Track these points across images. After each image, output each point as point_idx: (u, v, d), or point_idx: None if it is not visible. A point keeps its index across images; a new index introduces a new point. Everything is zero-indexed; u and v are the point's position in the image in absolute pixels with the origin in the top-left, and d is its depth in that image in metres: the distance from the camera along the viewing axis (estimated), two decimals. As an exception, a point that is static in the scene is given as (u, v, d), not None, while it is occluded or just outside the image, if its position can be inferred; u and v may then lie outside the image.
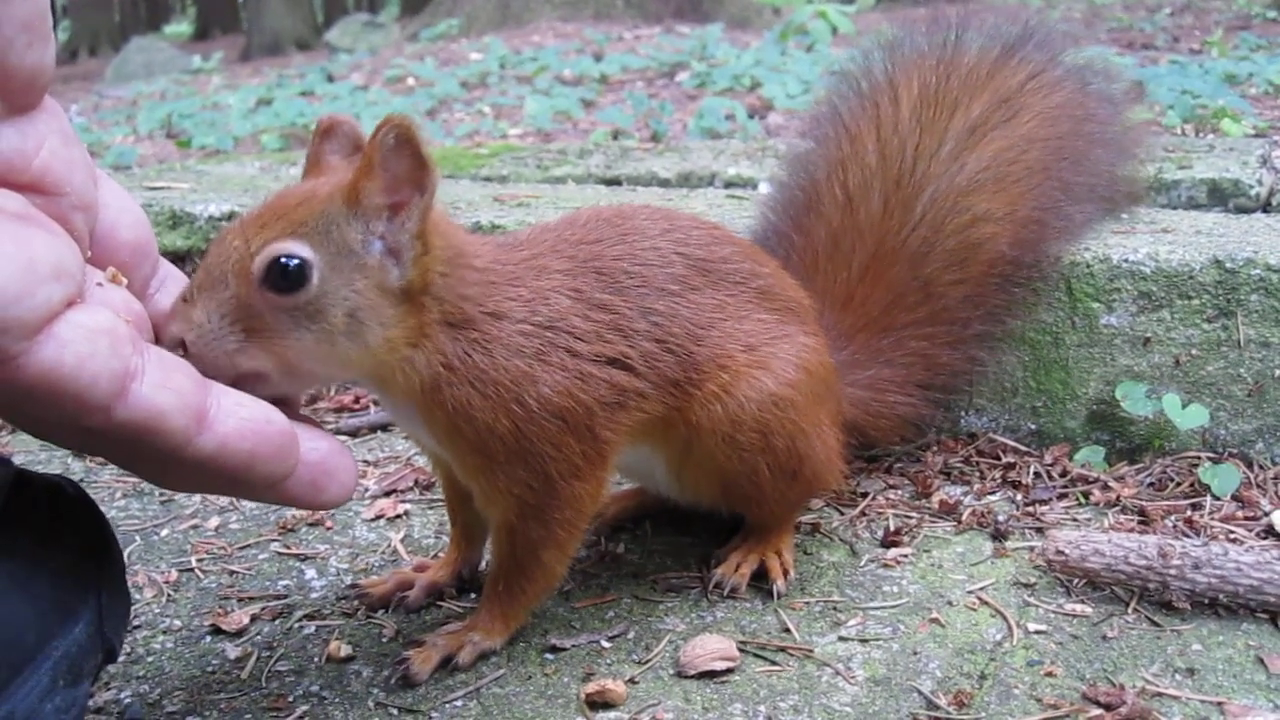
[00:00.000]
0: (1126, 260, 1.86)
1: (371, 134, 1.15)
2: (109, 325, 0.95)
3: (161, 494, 1.99)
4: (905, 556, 1.66)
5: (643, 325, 1.41)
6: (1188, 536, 1.64)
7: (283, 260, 1.15)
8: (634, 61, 7.37)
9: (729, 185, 3.43)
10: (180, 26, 24.32)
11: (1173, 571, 1.48)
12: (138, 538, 1.84)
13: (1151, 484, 1.80)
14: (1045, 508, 1.77)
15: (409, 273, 1.23)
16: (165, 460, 1.01)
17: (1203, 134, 4.00)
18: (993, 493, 1.84)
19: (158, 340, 1.13)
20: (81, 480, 2.02)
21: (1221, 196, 2.56)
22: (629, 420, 1.40)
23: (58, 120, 1.01)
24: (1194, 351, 1.84)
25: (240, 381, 1.12)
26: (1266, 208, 2.54)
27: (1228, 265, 1.81)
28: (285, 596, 1.63)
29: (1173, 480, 1.79)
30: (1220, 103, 4.08)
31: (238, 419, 1.02)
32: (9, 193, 0.96)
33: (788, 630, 1.48)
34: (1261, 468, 1.81)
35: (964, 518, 1.75)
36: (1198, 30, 8.72)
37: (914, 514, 1.79)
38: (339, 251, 1.18)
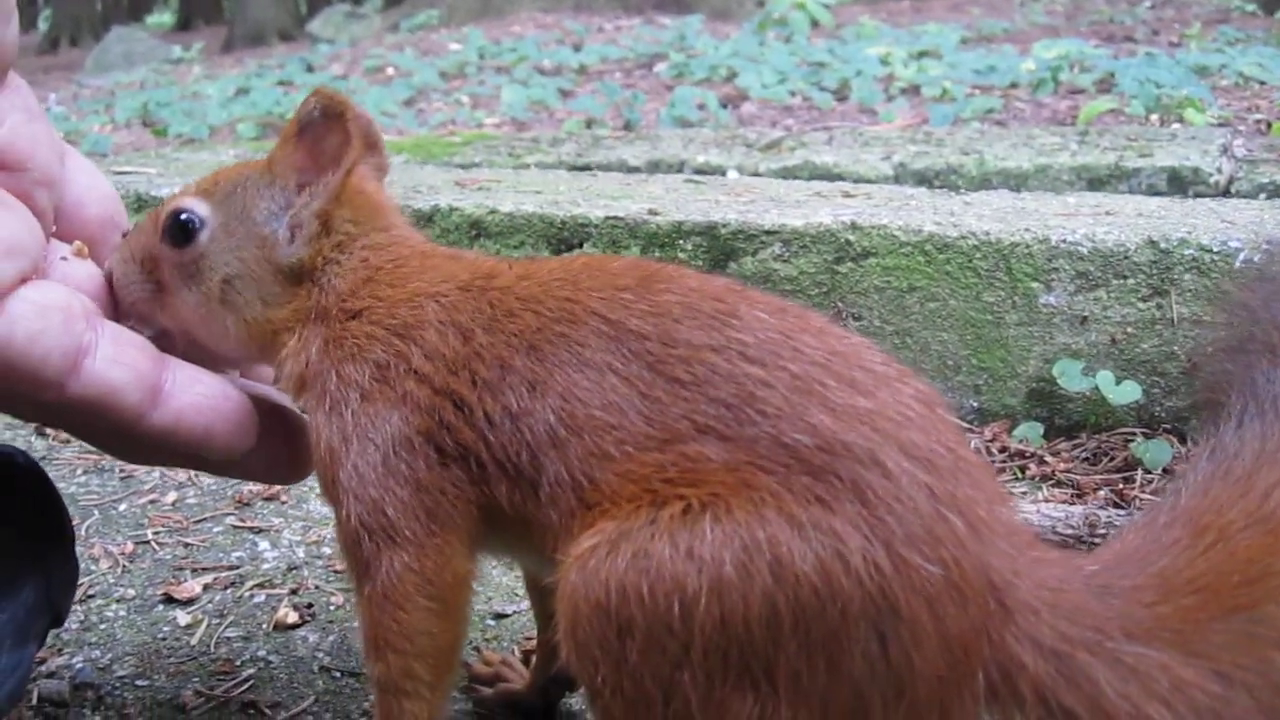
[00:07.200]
0: (1065, 241, 1.91)
1: (300, 104, 1.12)
2: (62, 301, 0.97)
3: (121, 470, 2.02)
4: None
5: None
6: (1118, 508, 1.69)
7: (181, 215, 1.11)
8: (613, 52, 7.40)
9: (698, 172, 3.48)
10: (163, 17, 24.22)
11: (1099, 541, 1.52)
12: (96, 512, 1.87)
13: (1086, 458, 1.85)
14: (983, 482, 1.81)
15: (301, 251, 1.11)
16: (122, 435, 1.03)
17: (1167, 123, 4.05)
18: (934, 468, 1.89)
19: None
20: (43, 458, 2.05)
21: (1181, 184, 2.60)
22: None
23: (21, 96, 1.02)
24: (1129, 329, 1.88)
25: (159, 339, 1.10)
26: (1226, 195, 2.58)
27: (1162, 245, 1.86)
28: (238, 567, 1.67)
29: (1107, 455, 1.84)
30: (1184, 93, 4.14)
31: (193, 394, 1.03)
32: None
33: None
34: (1195, 443, 1.85)
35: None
36: (1177, 23, 8.79)
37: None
38: (237, 216, 1.12)
